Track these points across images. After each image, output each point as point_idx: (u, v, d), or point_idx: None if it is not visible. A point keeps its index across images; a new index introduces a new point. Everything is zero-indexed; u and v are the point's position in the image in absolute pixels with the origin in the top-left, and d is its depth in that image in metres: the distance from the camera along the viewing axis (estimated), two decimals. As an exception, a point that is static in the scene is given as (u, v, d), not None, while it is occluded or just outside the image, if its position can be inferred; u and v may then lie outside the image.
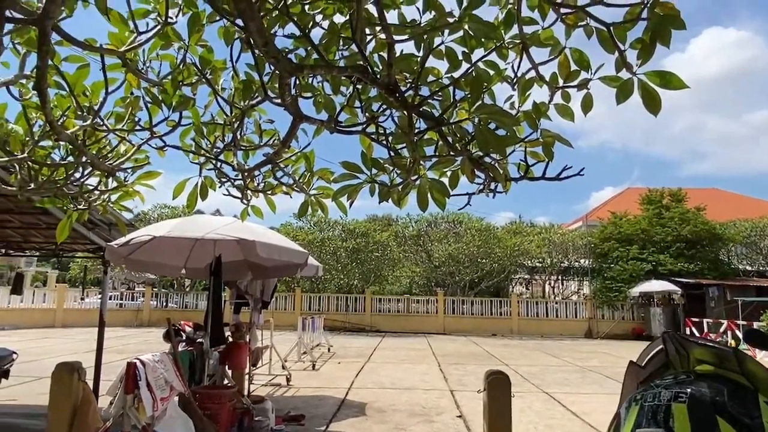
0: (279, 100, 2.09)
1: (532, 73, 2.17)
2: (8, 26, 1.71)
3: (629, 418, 1.30)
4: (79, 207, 2.97)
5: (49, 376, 4.16)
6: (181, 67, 2.35)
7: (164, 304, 26.47)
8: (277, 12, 2.02)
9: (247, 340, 7.26)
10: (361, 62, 1.94)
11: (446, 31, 2.04)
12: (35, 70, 1.78)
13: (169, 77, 2.36)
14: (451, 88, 2.09)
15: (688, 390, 1.22)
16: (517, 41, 2.10)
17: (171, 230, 5.88)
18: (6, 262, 38.98)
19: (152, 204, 30.39)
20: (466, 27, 1.99)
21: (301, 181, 2.72)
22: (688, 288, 21.44)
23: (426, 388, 9.57)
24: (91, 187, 2.85)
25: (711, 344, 1.37)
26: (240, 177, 2.67)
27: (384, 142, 2.20)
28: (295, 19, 2.02)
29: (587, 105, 2.09)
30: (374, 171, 2.23)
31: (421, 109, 1.98)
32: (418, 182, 2.22)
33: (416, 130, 2.07)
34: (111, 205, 3.08)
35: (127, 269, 7.64)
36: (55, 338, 17.93)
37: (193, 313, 23.41)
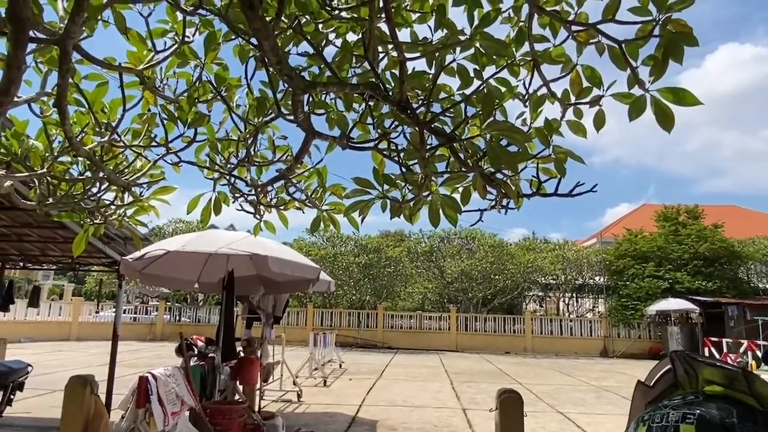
0: (292, 117, 2.12)
1: (544, 90, 2.17)
2: (31, 46, 1.76)
3: None
4: (95, 221, 3.01)
5: (62, 389, 4.19)
6: (197, 84, 2.39)
7: (177, 318, 26.58)
8: (291, 31, 2.06)
9: (259, 355, 7.25)
10: (374, 79, 1.96)
11: (458, 49, 2.06)
12: (56, 87, 1.83)
13: (185, 94, 2.40)
14: (462, 105, 2.10)
15: (697, 411, 1.21)
16: (529, 58, 2.11)
17: (185, 245, 5.93)
18: (24, 275, 39.63)
19: (167, 219, 30.76)
20: (478, 44, 2.00)
21: (313, 196, 2.73)
22: (707, 307, 21.00)
23: (438, 406, 9.45)
24: (108, 202, 2.90)
25: (720, 364, 1.35)
26: (253, 192, 2.70)
27: (396, 158, 2.21)
28: (309, 37, 2.05)
29: (600, 122, 2.09)
30: (386, 187, 2.23)
31: (432, 126, 1.98)
32: (429, 198, 2.22)
33: (428, 147, 2.08)
34: (126, 220, 3.12)
35: (142, 283, 7.70)
36: (69, 351, 18.08)
37: (206, 327, 23.49)
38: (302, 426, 7.21)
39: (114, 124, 2.33)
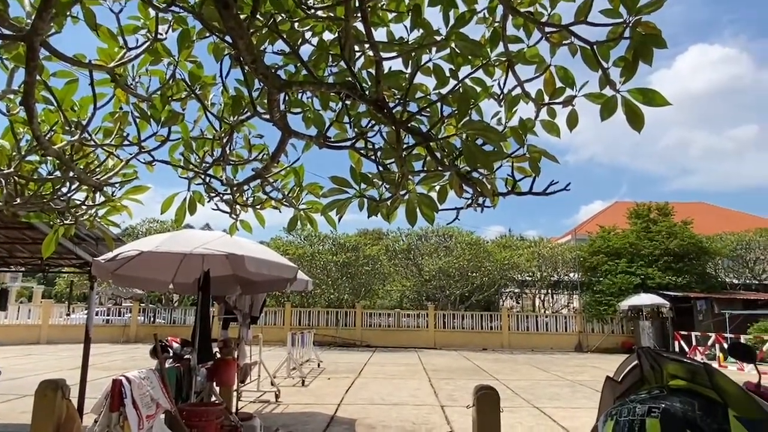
0: (268, 116, 2.10)
1: (519, 90, 2.21)
2: (-4, 41, 1.71)
3: None
4: (65, 222, 2.94)
5: (32, 393, 4.08)
6: (170, 82, 2.36)
7: (152, 319, 26.11)
8: (266, 29, 2.04)
9: (236, 356, 7.17)
10: (350, 79, 1.96)
11: (434, 49, 2.07)
12: (23, 85, 1.78)
13: (158, 92, 2.36)
14: (438, 105, 2.11)
15: (661, 405, 1.26)
16: (503, 59, 2.14)
17: (159, 245, 5.83)
18: (-10, 277, 38.38)
19: (141, 218, 30.17)
20: (453, 45, 2.02)
21: (290, 195, 2.72)
22: (677, 301, 21.59)
23: (416, 404, 9.50)
24: (78, 202, 2.83)
25: (683, 360, 1.41)
26: (229, 192, 2.67)
27: (373, 157, 2.22)
28: (285, 36, 2.04)
29: (573, 121, 2.13)
30: (363, 186, 2.23)
31: (409, 125, 2.00)
32: (406, 197, 2.23)
33: (404, 146, 2.09)
34: (98, 220, 3.05)
35: (114, 284, 7.55)
36: (40, 355, 17.59)
37: (181, 328, 23.11)
38: (280, 426, 7.17)
39: (84, 122, 2.28)
